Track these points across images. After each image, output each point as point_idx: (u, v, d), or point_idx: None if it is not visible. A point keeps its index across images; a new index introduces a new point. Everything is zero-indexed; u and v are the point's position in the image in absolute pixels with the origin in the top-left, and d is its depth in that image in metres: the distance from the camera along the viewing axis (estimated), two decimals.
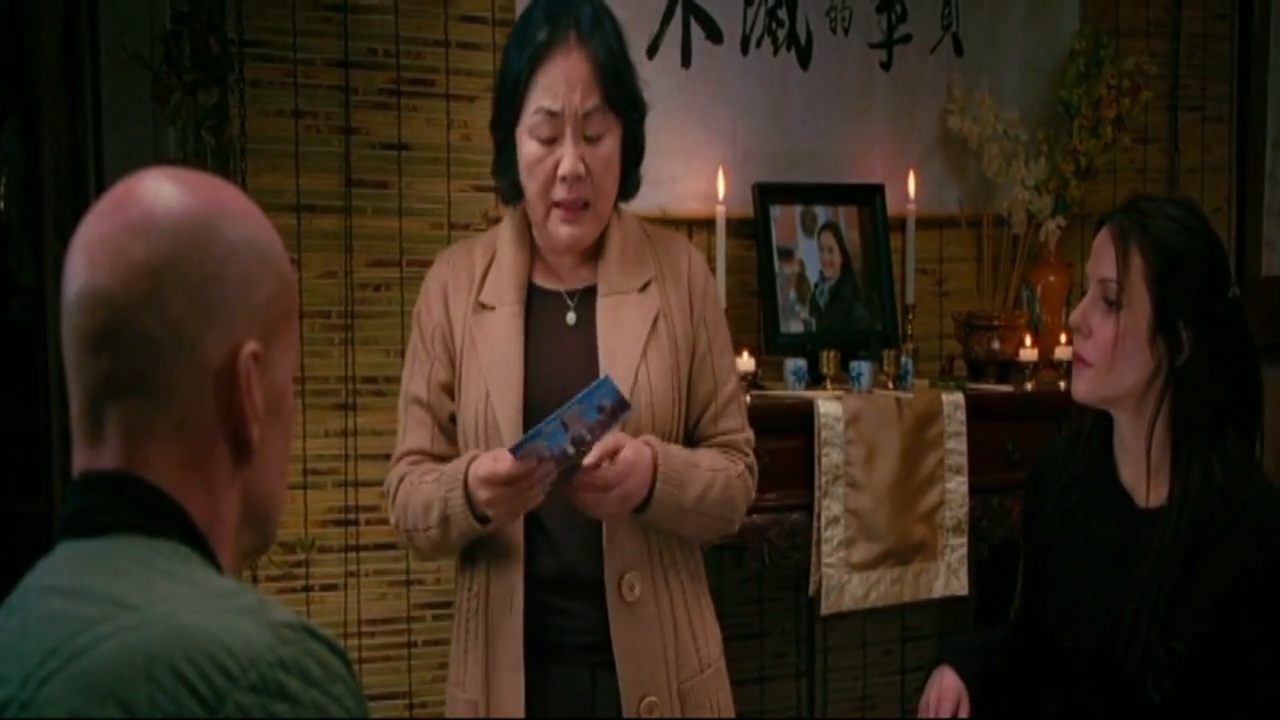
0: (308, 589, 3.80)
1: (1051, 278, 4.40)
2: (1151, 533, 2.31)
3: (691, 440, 2.64)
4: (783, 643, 4.47)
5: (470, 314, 2.61)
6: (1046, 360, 4.17)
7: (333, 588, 3.83)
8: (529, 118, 2.50)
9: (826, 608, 3.75)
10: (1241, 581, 2.26)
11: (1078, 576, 2.40)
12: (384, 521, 3.79)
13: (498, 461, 2.37)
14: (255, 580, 3.67)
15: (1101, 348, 2.31)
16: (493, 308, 2.60)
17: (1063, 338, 4.17)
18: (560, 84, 2.47)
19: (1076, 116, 4.38)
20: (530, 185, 2.54)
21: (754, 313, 4.18)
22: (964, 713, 2.43)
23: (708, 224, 4.04)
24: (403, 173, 3.86)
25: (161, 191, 1.34)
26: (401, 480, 2.61)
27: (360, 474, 3.81)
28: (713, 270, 3.92)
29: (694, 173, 4.09)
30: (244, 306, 1.34)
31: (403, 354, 3.78)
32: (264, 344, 1.36)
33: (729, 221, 3.99)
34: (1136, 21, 4.77)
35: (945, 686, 2.46)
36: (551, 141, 2.49)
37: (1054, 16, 4.60)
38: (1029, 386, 4.06)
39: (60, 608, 1.23)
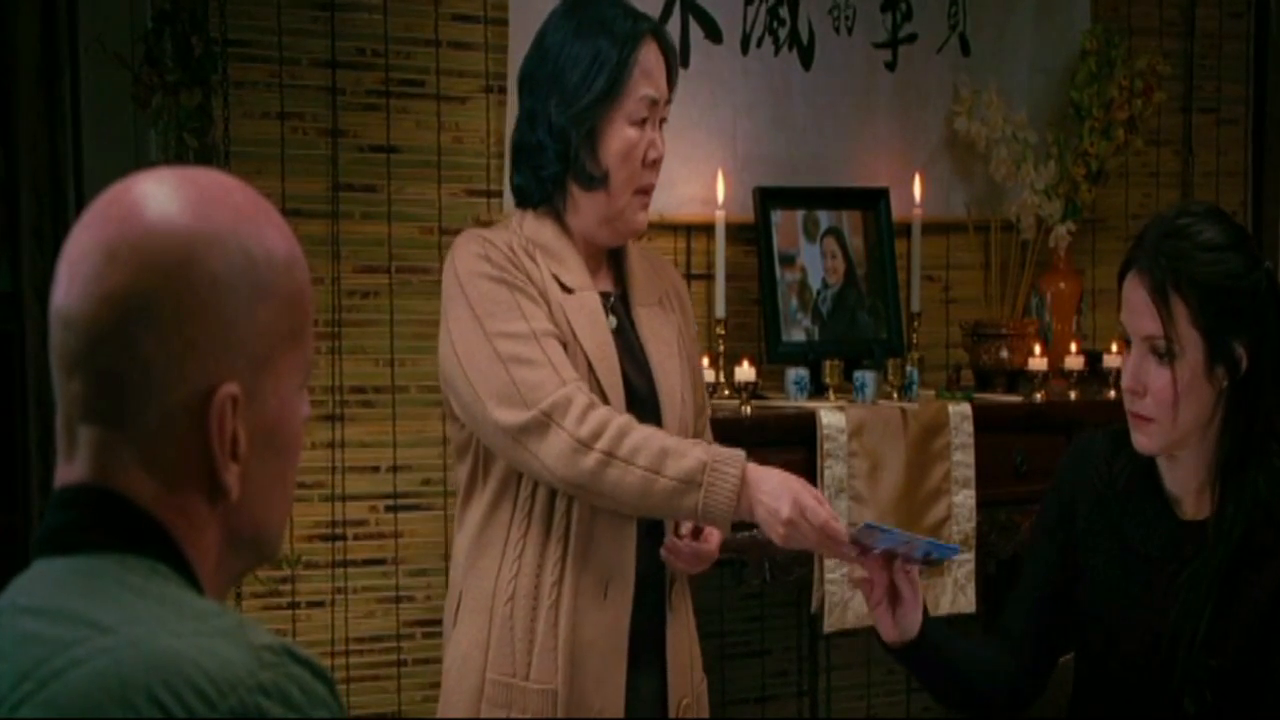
0: (293, 606, 3.76)
1: (1062, 285, 4.39)
2: (1195, 545, 2.29)
3: None
4: (784, 661, 4.44)
5: (558, 291, 2.57)
6: (1056, 370, 4.15)
7: (319, 604, 3.79)
8: (631, 104, 2.57)
9: (829, 625, 3.73)
10: None
11: (1116, 587, 2.36)
12: (373, 536, 3.83)
13: (822, 506, 2.40)
14: (239, 597, 3.63)
15: (1162, 401, 2.26)
16: (573, 291, 2.59)
17: (1073, 346, 4.19)
18: (655, 71, 2.60)
19: (1087, 118, 4.36)
20: (623, 172, 2.59)
21: (754, 321, 4.16)
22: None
23: (707, 229, 4.03)
24: (392, 176, 3.83)
25: (149, 208, 1.28)
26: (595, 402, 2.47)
27: (348, 487, 3.78)
28: (712, 277, 4.01)
29: (692, 176, 4.05)
30: (226, 344, 1.28)
31: (392, 363, 3.78)
32: (252, 378, 1.30)
33: (729, 226, 3.97)
34: (1149, 20, 4.76)
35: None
36: (643, 125, 2.59)
37: (1064, 15, 4.57)
38: (1038, 397, 4.04)
39: (34, 629, 1.22)
